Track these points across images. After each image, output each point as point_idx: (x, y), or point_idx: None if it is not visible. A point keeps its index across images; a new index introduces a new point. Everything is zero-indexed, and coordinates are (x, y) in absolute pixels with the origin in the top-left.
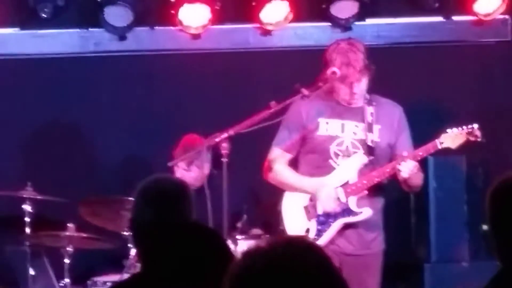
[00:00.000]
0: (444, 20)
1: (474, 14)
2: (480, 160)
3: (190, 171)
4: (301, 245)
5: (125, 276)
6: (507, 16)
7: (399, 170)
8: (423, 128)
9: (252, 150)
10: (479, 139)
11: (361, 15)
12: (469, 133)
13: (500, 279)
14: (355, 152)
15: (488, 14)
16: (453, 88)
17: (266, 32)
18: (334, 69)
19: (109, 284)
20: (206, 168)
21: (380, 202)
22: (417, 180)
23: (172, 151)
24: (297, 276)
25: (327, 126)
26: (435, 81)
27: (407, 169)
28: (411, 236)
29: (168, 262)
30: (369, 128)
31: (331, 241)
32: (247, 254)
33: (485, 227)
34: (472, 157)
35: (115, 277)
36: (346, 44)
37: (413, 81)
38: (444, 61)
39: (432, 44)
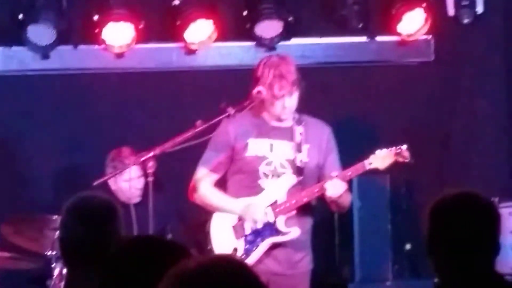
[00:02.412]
0: (368, 40)
1: (398, 34)
2: (404, 180)
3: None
4: (229, 263)
5: None
6: (429, 37)
7: (326, 190)
8: (347, 148)
9: (178, 169)
10: (407, 160)
11: (285, 35)
12: (397, 154)
13: None
14: (283, 173)
15: (411, 35)
16: (378, 108)
17: (191, 52)
18: (260, 88)
19: None
20: (138, 183)
21: (308, 222)
22: (346, 200)
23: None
24: None
25: (255, 146)
26: (360, 101)
27: (334, 189)
28: (335, 255)
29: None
30: (298, 148)
31: (259, 261)
32: (176, 274)
33: (408, 246)
34: (396, 177)
35: None
36: (277, 58)
37: (338, 101)
38: (369, 81)
39: (357, 64)
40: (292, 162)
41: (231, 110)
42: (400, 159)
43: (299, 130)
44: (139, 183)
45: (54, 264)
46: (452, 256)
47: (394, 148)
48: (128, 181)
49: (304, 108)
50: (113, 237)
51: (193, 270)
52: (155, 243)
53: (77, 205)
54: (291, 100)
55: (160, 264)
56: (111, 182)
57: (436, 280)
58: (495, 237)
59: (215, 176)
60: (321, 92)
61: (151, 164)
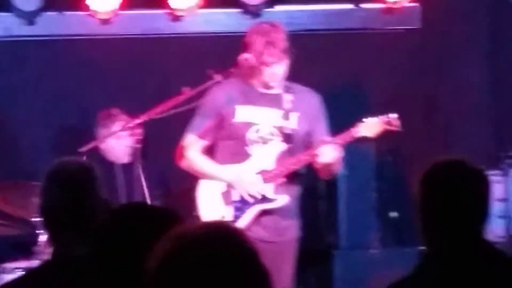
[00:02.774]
0: (355, 7)
1: (384, 1)
2: (389, 148)
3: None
4: (223, 229)
5: (35, 262)
6: (416, 4)
7: (318, 156)
8: (332, 116)
9: (166, 136)
10: (396, 129)
11: (271, 2)
12: (386, 122)
13: (425, 265)
14: (271, 139)
15: (397, 2)
16: (364, 75)
17: (177, 18)
18: (246, 55)
19: (18, 271)
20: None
21: (297, 189)
22: (338, 164)
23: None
24: (221, 260)
25: (244, 113)
26: (346, 68)
27: (328, 154)
28: (320, 223)
29: (80, 246)
30: (287, 116)
31: (247, 228)
32: (170, 239)
33: (393, 214)
34: (381, 145)
35: (24, 264)
36: (268, 25)
37: (324, 68)
38: (355, 48)
39: (343, 31)
40: (281, 130)
41: (218, 77)
42: (389, 128)
43: (288, 97)
44: (128, 141)
45: (40, 230)
46: (443, 223)
47: (383, 116)
48: (117, 139)
49: (290, 74)
50: (92, 202)
51: (193, 233)
52: (148, 210)
53: (55, 170)
54: (281, 68)
55: (153, 231)
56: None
57: (423, 248)
58: (485, 205)
59: (203, 142)
60: (307, 59)
61: (138, 131)
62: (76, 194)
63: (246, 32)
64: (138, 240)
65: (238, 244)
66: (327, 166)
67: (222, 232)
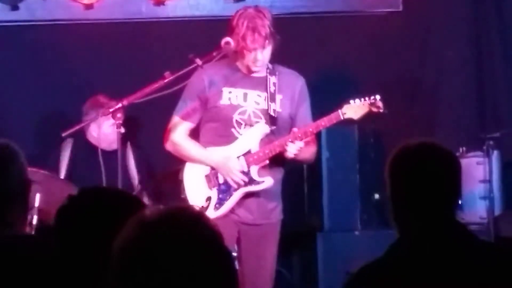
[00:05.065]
0: None
1: None
2: (372, 130)
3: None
4: (188, 214)
5: None
6: None
7: (286, 151)
8: (315, 99)
9: (147, 120)
10: (381, 110)
11: None
12: (371, 104)
13: (397, 248)
14: (257, 122)
15: None
16: (346, 58)
17: (159, 2)
18: (228, 39)
19: None
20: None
21: (280, 172)
22: (305, 155)
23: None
24: (182, 244)
25: (229, 95)
26: (328, 51)
27: (294, 149)
28: (304, 205)
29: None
30: (272, 98)
31: (231, 210)
32: (134, 223)
33: (377, 196)
34: (364, 127)
35: None
36: (253, 10)
37: (306, 51)
38: (337, 31)
39: (325, 14)
40: (266, 112)
41: (199, 61)
42: (374, 109)
43: (272, 80)
44: (111, 127)
45: None
46: (414, 206)
47: (367, 98)
48: (112, 126)
49: (275, 57)
50: (8, 183)
51: (155, 218)
52: (109, 194)
53: None
54: (263, 54)
55: (114, 215)
56: (92, 129)
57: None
58: (456, 187)
59: (189, 125)
60: (289, 42)
61: (119, 115)
62: None
63: (231, 16)
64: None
65: (200, 227)
66: (293, 159)
67: (185, 216)
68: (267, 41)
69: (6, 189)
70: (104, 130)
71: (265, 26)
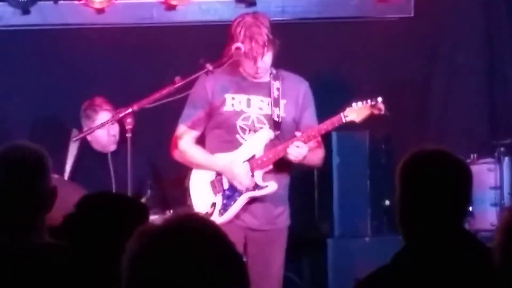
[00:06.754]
0: None
1: None
2: (383, 136)
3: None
4: (196, 222)
5: None
6: None
7: (289, 154)
8: (327, 104)
9: (158, 126)
10: (382, 112)
11: None
12: (372, 106)
13: (403, 255)
14: (261, 127)
15: None
16: (358, 63)
17: (171, 7)
18: (239, 44)
19: None
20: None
21: (286, 177)
22: (312, 159)
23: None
24: (193, 253)
25: (233, 101)
26: (340, 56)
27: (297, 152)
28: (314, 211)
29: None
30: (275, 103)
31: (237, 216)
32: (142, 233)
33: (387, 202)
34: (375, 133)
35: None
36: (251, 18)
37: (317, 57)
38: (349, 36)
39: (337, 20)
40: (269, 117)
41: (209, 66)
42: (376, 111)
43: (276, 85)
44: (113, 129)
45: None
46: (421, 212)
47: (369, 100)
48: (105, 129)
49: (283, 63)
50: (39, 189)
51: (163, 227)
52: (117, 200)
53: (5, 154)
54: (263, 61)
55: (122, 221)
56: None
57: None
58: (465, 196)
59: (195, 133)
60: (301, 47)
61: (129, 120)
62: (21, 179)
63: (231, 24)
64: (108, 228)
65: (210, 234)
66: (299, 163)
67: (193, 224)
68: (265, 49)
69: (37, 196)
70: (97, 133)
71: (262, 34)
